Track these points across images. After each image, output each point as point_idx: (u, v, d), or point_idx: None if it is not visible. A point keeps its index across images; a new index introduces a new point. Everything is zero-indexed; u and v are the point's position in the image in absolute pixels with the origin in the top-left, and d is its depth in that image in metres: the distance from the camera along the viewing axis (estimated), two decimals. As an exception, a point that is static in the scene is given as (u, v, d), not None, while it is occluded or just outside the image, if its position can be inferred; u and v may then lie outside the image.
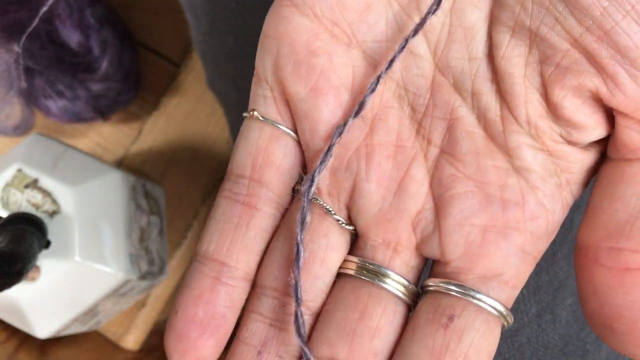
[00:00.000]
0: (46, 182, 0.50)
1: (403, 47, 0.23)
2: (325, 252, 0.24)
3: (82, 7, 0.57)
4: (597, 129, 0.22)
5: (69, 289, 0.50)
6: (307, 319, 0.24)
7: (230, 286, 0.24)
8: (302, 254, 0.23)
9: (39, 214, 0.50)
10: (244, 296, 0.25)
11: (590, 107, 0.22)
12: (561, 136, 0.22)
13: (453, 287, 0.23)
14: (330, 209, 0.24)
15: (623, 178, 0.22)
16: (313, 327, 0.24)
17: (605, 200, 0.22)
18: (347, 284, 0.24)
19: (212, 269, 0.24)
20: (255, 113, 0.25)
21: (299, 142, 0.25)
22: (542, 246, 0.23)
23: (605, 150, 0.23)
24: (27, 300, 0.50)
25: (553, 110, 0.22)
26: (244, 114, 0.25)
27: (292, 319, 0.23)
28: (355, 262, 0.24)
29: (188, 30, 0.45)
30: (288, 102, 0.25)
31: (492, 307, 0.22)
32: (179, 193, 0.64)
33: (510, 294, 0.23)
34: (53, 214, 0.50)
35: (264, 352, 0.24)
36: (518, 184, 0.23)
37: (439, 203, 0.23)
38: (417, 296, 0.24)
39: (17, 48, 0.43)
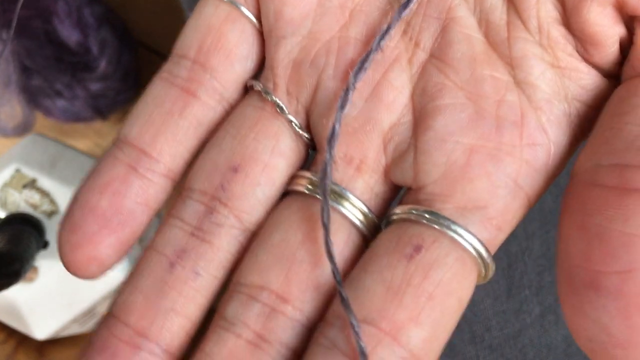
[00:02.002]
0: (44, 182, 0.50)
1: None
2: (270, 156, 0.20)
3: (81, 6, 0.57)
4: (615, 45, 0.19)
5: (67, 289, 0.50)
6: (237, 234, 0.20)
7: (146, 180, 0.20)
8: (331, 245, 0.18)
9: (37, 215, 0.49)
10: (162, 196, 0.20)
11: (611, 15, 0.18)
12: (577, 51, 0.19)
13: (424, 214, 0.18)
14: (283, 106, 0.20)
15: (637, 91, 0.18)
16: (246, 249, 0.20)
17: (614, 115, 0.18)
18: (295, 202, 0.20)
19: (129, 155, 0.20)
20: None
21: (260, 32, 0.21)
22: (539, 184, 0.19)
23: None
24: (25, 301, 0.50)
25: (569, 17, 0.18)
26: None
27: (220, 230, 0.19)
28: (307, 178, 0.20)
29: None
30: None
31: (469, 243, 0.18)
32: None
33: (494, 234, 0.18)
34: (51, 214, 0.50)
35: (178, 264, 0.19)
36: (518, 100, 0.19)
37: (420, 116, 0.19)
38: (378, 230, 0.20)
39: (4, 35, 0.43)
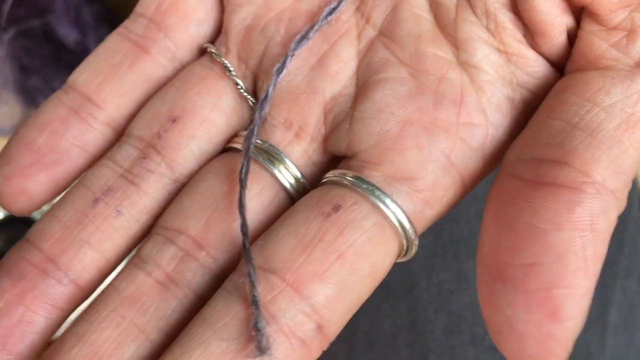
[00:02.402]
0: (43, 182, 0.50)
1: None
2: (210, 112, 0.20)
3: (79, 5, 0.56)
4: (562, 36, 0.19)
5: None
6: (166, 183, 0.20)
7: (86, 124, 0.20)
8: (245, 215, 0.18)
9: (36, 215, 0.49)
10: (102, 144, 0.21)
11: (558, 5, 0.18)
12: (525, 37, 0.19)
13: (349, 178, 0.18)
14: (230, 68, 0.21)
15: (570, 86, 0.18)
16: (172, 195, 0.20)
17: (544, 111, 0.18)
18: (227, 157, 0.20)
19: (73, 100, 0.20)
20: None
21: (221, 0, 0.22)
22: (474, 164, 0.19)
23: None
24: (24, 301, 0.50)
25: (517, 3, 0.19)
26: None
27: (150, 175, 0.20)
28: (244, 137, 0.20)
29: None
30: None
31: (392, 212, 0.18)
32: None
33: (420, 208, 0.18)
34: (50, 214, 0.50)
35: (102, 201, 0.19)
36: (460, 79, 0.19)
37: (362, 88, 0.20)
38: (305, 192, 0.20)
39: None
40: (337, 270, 0.17)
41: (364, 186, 0.18)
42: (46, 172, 0.20)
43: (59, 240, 0.19)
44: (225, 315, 0.17)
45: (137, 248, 0.20)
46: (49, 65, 0.56)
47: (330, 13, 0.20)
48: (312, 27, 0.20)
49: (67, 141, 0.20)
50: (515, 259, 0.16)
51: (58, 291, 0.19)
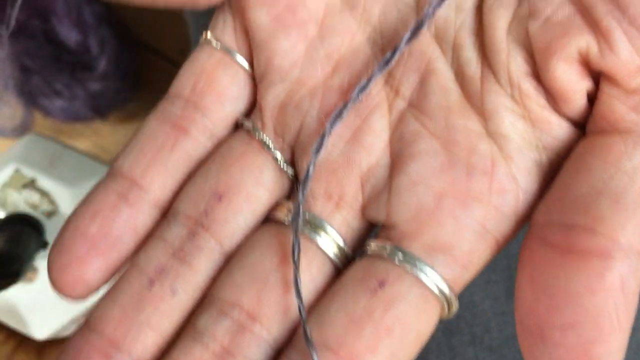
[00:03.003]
0: (44, 182, 0.50)
1: (411, 35, 0.20)
2: (253, 187, 0.21)
3: (80, 6, 0.57)
4: (583, 99, 0.19)
5: (66, 290, 0.50)
6: (216, 258, 0.21)
7: (135, 208, 0.21)
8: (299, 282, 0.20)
9: (36, 215, 0.49)
10: (151, 224, 0.21)
11: (577, 71, 0.19)
12: (548, 102, 0.20)
13: (391, 251, 0.19)
14: (269, 144, 0.22)
15: (593, 150, 0.19)
16: (222, 269, 0.21)
17: (569, 175, 0.19)
18: (273, 228, 0.21)
19: (120, 185, 0.21)
20: (209, 35, 0.23)
21: (252, 77, 0.23)
22: (507, 228, 0.20)
23: None
24: (24, 301, 0.50)
25: (538, 71, 0.19)
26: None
27: (200, 252, 0.20)
28: (287, 207, 0.21)
29: (187, 29, 0.44)
30: (247, 31, 0.22)
31: (433, 281, 0.19)
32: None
33: (459, 273, 0.20)
34: (51, 214, 0.50)
35: (157, 282, 0.20)
36: (490, 150, 0.20)
37: (396, 160, 0.21)
38: (351, 263, 0.21)
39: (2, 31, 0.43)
40: (386, 344, 0.19)
41: (406, 259, 0.19)
42: (101, 259, 0.21)
43: (120, 324, 0.20)
44: None
45: (191, 319, 0.20)
46: (49, 66, 0.56)
47: (361, 90, 0.21)
48: (345, 106, 0.21)
49: (119, 227, 0.21)
50: (554, 320, 0.17)
51: None
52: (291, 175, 0.22)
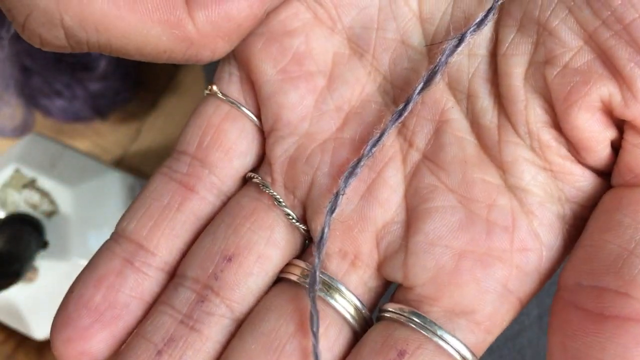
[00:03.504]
0: (44, 182, 0.50)
1: (424, 84, 0.19)
2: (265, 247, 0.20)
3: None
4: (607, 149, 0.18)
5: (66, 289, 0.50)
6: (227, 324, 0.20)
7: (142, 274, 0.20)
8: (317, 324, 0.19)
9: (36, 215, 0.49)
10: (158, 290, 0.20)
11: (600, 121, 0.18)
12: (570, 152, 0.19)
13: (411, 317, 0.19)
14: (280, 200, 0.21)
15: (621, 205, 0.18)
16: (232, 335, 0.20)
17: (597, 231, 0.18)
18: (287, 291, 0.20)
19: (125, 249, 0.20)
20: (215, 88, 0.22)
21: (260, 129, 0.22)
22: (530, 287, 0.19)
23: None
24: (25, 301, 0.50)
25: (559, 121, 0.19)
26: (206, 92, 0.22)
27: (210, 319, 0.19)
28: (301, 267, 0.20)
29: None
30: (254, 84, 0.21)
31: (455, 349, 0.18)
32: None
33: (482, 338, 0.19)
34: (51, 214, 0.50)
35: (165, 352, 0.19)
36: (510, 205, 0.19)
37: (412, 216, 0.20)
38: (368, 324, 0.20)
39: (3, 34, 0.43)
40: None
41: (427, 326, 0.18)
42: (107, 330, 0.20)
43: None
44: None
45: None
46: (50, 66, 0.56)
47: (374, 145, 0.20)
48: (358, 162, 0.20)
49: (125, 294, 0.20)
50: None
51: None
52: (304, 231, 0.21)
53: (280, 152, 0.21)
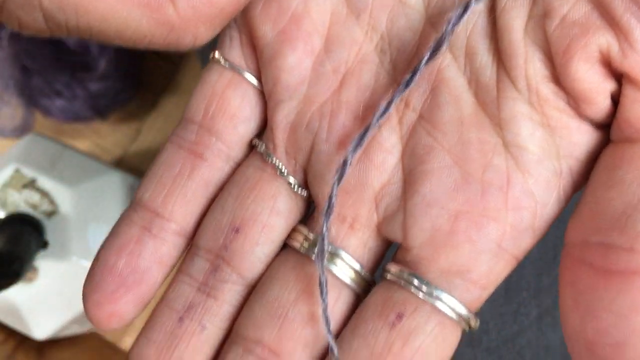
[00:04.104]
0: (44, 182, 0.50)
1: (431, 55, 0.19)
2: (269, 216, 0.21)
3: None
4: (607, 101, 0.19)
5: (66, 290, 0.50)
6: (239, 290, 0.21)
7: (159, 239, 0.22)
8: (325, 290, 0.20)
9: (36, 215, 0.49)
10: (176, 253, 0.22)
11: (599, 72, 0.18)
12: (568, 105, 0.19)
13: (409, 279, 0.20)
14: (283, 170, 0.22)
15: (623, 161, 0.18)
16: (246, 298, 0.22)
17: (600, 188, 0.18)
18: (291, 258, 0.21)
19: (142, 217, 0.22)
20: (217, 55, 0.22)
21: (262, 94, 0.22)
22: (525, 243, 0.20)
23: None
24: (24, 301, 0.50)
25: (558, 74, 0.19)
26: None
27: (224, 286, 0.21)
28: (303, 234, 0.21)
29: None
30: (255, 46, 0.22)
31: (451, 308, 0.19)
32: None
33: (478, 294, 0.20)
34: (51, 214, 0.50)
35: (187, 318, 0.21)
36: (505, 163, 0.19)
37: (409, 178, 0.20)
38: (370, 285, 0.21)
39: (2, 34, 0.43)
40: None
41: (422, 287, 0.19)
42: (131, 293, 0.21)
43: None
44: None
45: (219, 357, 0.21)
46: (50, 66, 0.56)
47: (381, 116, 0.20)
48: (365, 132, 0.20)
49: (145, 260, 0.22)
50: (603, 340, 0.17)
51: None
52: (306, 196, 0.22)
53: (281, 118, 0.22)
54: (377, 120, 0.20)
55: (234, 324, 0.21)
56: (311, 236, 0.21)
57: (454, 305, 0.19)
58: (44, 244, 0.49)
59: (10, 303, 0.50)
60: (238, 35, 0.22)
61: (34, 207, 0.50)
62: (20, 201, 0.50)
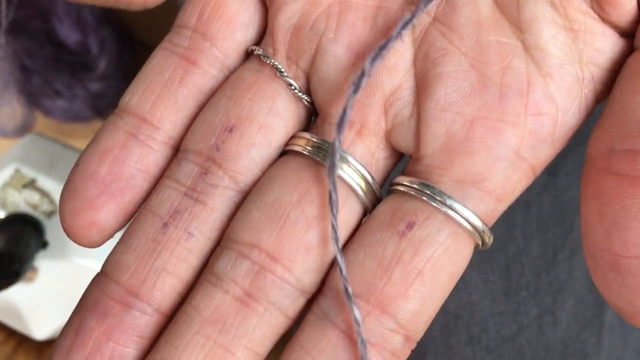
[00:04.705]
0: (44, 182, 0.50)
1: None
2: (266, 116, 0.20)
3: (80, 6, 0.57)
4: (631, 3, 0.17)
5: (66, 289, 0.50)
6: (231, 195, 0.19)
7: (146, 147, 0.20)
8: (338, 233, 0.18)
9: (36, 215, 0.49)
10: (163, 163, 0.20)
11: None
12: (592, 8, 0.18)
13: (420, 188, 0.18)
14: (282, 69, 0.20)
15: None
16: (239, 206, 0.19)
17: (627, 95, 0.17)
18: (292, 161, 0.19)
19: (128, 123, 0.20)
20: None
21: (263, 1, 0.21)
22: (544, 154, 0.18)
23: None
24: (24, 301, 0.50)
25: None
26: None
27: (214, 190, 0.19)
28: (306, 139, 0.19)
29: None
30: None
31: (465, 218, 0.18)
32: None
33: (493, 206, 0.18)
34: (51, 214, 0.50)
35: (171, 224, 0.19)
36: (525, 67, 0.18)
37: (422, 82, 0.19)
38: (377, 197, 0.20)
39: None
40: (417, 288, 0.18)
41: (435, 196, 0.18)
42: (114, 201, 0.19)
43: (137, 271, 0.19)
44: (320, 341, 0.18)
45: (209, 262, 0.19)
46: (50, 66, 0.56)
47: (404, 27, 0.19)
48: (386, 44, 0.19)
49: (130, 167, 0.20)
50: (629, 253, 0.16)
51: (143, 322, 0.19)
52: (307, 102, 0.20)
53: (284, 21, 0.20)
54: (400, 31, 0.18)
55: (227, 228, 0.19)
56: (314, 139, 0.19)
57: (467, 215, 0.18)
58: (44, 244, 0.49)
59: (10, 303, 0.50)
60: None
61: (34, 207, 0.50)
62: (20, 201, 0.50)
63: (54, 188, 0.50)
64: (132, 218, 0.20)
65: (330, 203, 0.18)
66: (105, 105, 0.61)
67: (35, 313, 0.50)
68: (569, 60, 0.18)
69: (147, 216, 0.19)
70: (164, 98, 0.20)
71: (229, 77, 0.21)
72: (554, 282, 0.34)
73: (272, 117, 0.20)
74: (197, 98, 0.20)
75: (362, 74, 0.18)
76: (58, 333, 0.53)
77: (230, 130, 0.20)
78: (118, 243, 0.20)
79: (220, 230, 0.19)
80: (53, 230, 0.49)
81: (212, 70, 0.20)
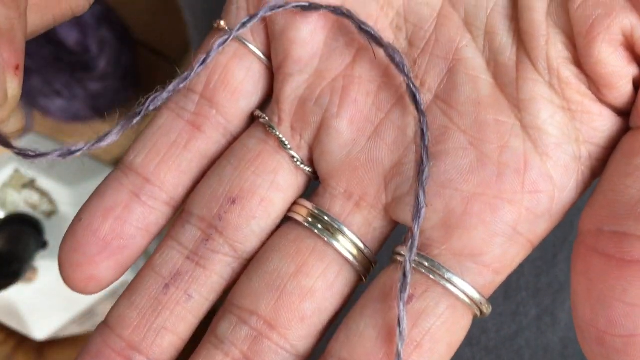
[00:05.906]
0: (43, 182, 0.50)
1: None
2: (268, 190, 0.21)
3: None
4: (629, 86, 0.18)
5: (66, 290, 0.49)
6: (230, 262, 0.21)
7: (148, 207, 0.21)
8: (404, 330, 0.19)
9: (36, 215, 0.49)
10: (163, 223, 0.21)
11: (622, 56, 0.18)
12: (589, 90, 0.18)
13: (419, 261, 0.19)
14: (285, 142, 0.21)
15: None
16: (239, 274, 0.21)
17: (617, 176, 0.18)
18: (292, 232, 0.21)
19: (133, 182, 0.21)
20: (222, 23, 0.21)
21: (268, 67, 0.22)
22: (541, 229, 0.19)
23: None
24: (24, 301, 0.50)
25: (580, 57, 0.18)
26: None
27: (214, 256, 0.21)
28: (306, 209, 0.20)
29: (187, 29, 0.44)
30: (264, 17, 0.21)
31: (463, 291, 0.19)
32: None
33: (491, 279, 0.19)
34: (50, 214, 0.50)
35: (172, 286, 0.20)
36: (523, 146, 0.19)
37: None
38: (371, 264, 0.20)
39: None
40: (416, 359, 0.19)
41: (434, 269, 0.19)
42: (113, 258, 0.21)
43: (138, 327, 0.20)
44: None
45: (211, 325, 0.21)
46: (49, 66, 0.56)
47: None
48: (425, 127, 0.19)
49: (132, 226, 0.21)
50: (613, 331, 0.17)
51: None
52: (309, 173, 0.21)
53: (290, 92, 0.21)
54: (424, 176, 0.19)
55: (229, 293, 0.21)
56: (315, 210, 0.20)
57: (465, 288, 0.19)
58: (43, 244, 0.49)
59: (10, 303, 0.50)
60: (246, 5, 0.21)
61: (34, 207, 0.50)
62: (20, 201, 0.50)
63: (54, 188, 0.50)
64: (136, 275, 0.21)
65: (400, 296, 0.19)
66: (104, 105, 0.61)
67: (35, 313, 0.50)
68: (566, 140, 0.19)
69: (150, 275, 0.21)
70: (168, 161, 0.21)
71: (232, 142, 0.22)
72: (553, 283, 0.34)
73: (274, 191, 0.21)
74: (201, 162, 0.21)
75: (418, 200, 0.19)
76: (58, 333, 0.53)
77: (233, 201, 0.21)
78: (122, 297, 0.21)
79: (218, 292, 0.21)
80: (52, 230, 0.49)
81: (216, 135, 0.21)
